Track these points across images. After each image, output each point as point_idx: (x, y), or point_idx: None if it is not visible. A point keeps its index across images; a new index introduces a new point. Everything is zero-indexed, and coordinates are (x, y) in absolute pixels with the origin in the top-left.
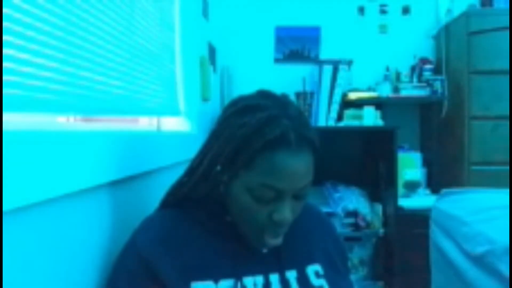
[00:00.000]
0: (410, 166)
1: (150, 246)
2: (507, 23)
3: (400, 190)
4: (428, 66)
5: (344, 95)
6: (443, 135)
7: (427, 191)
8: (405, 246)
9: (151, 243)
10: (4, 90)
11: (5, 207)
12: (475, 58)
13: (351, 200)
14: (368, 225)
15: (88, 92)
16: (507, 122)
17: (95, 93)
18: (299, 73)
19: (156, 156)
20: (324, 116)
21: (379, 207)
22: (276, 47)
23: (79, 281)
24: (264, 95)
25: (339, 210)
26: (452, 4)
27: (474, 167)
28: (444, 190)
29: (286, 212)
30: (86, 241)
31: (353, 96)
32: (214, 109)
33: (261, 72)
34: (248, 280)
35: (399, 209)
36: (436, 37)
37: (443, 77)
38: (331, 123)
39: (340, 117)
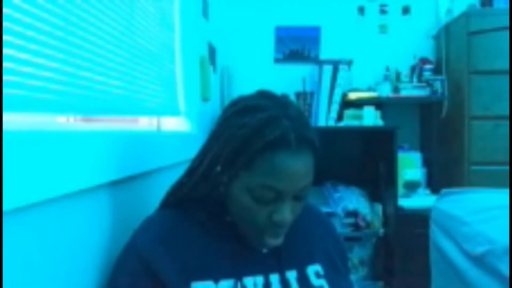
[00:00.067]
0: (410, 166)
1: (150, 246)
2: (507, 23)
3: (400, 190)
4: (428, 66)
5: (344, 95)
6: (443, 135)
7: (427, 191)
8: (405, 246)
9: (151, 243)
10: (4, 90)
11: (5, 207)
12: (475, 58)
13: (351, 200)
14: (368, 225)
15: (88, 92)
16: (507, 122)
17: (95, 93)
18: (299, 73)
19: (156, 156)
20: (324, 116)
21: (379, 207)
22: (276, 47)
23: (79, 281)
24: (264, 96)
25: (339, 210)
26: (452, 4)
27: (474, 167)
28: (444, 190)
29: (286, 213)
30: (86, 241)
31: (353, 96)
32: (214, 109)
33: (261, 72)
34: (248, 280)
35: (399, 209)
36: (436, 37)
37: (443, 77)
38: (331, 123)
39: (340, 117)
